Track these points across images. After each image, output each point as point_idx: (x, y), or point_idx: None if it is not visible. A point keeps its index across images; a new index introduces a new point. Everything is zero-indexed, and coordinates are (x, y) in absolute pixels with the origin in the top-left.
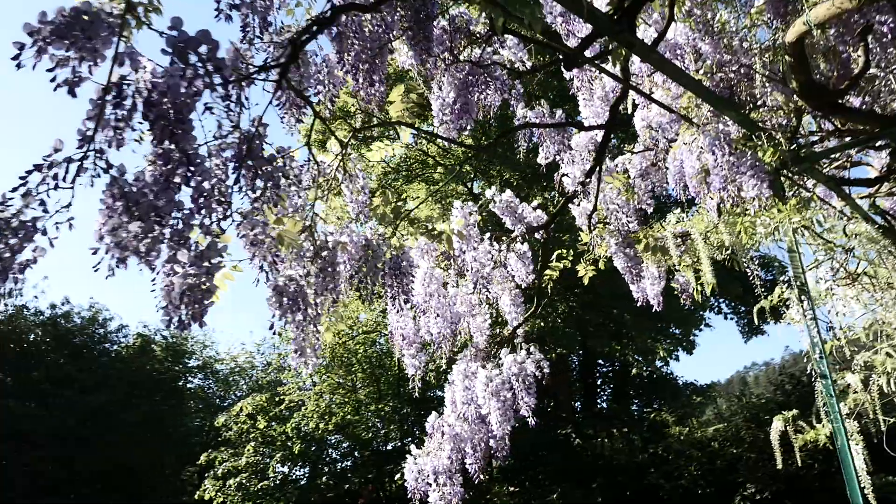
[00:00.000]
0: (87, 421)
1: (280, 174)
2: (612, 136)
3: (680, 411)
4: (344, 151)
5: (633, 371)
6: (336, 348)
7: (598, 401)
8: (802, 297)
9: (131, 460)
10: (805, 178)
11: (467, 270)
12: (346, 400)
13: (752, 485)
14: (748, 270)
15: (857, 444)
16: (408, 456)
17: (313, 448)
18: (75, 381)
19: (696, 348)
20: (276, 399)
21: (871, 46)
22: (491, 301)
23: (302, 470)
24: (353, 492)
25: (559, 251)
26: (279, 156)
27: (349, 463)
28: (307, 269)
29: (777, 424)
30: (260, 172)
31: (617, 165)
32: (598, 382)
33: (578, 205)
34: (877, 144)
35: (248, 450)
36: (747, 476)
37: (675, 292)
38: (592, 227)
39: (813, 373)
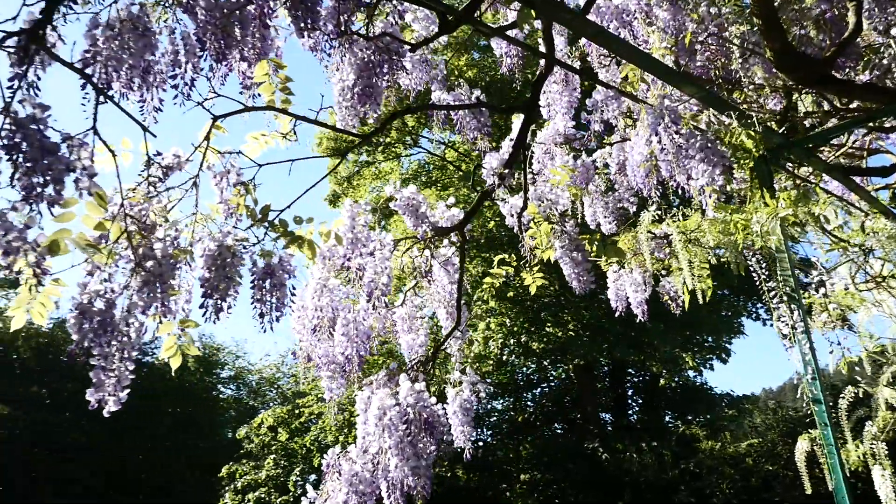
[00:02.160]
0: (122, 430)
1: (63, 166)
2: (537, 119)
3: (714, 424)
4: (207, 144)
5: (662, 382)
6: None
7: (628, 412)
8: (792, 307)
9: (164, 470)
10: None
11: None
12: None
13: None
14: (756, 273)
15: (884, 470)
16: (302, 500)
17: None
18: None
19: (731, 357)
20: (296, 412)
21: (864, 4)
22: (423, 316)
23: None
24: None
25: (502, 256)
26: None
27: None
28: (126, 282)
29: (802, 444)
30: (29, 166)
31: (595, 161)
32: (629, 393)
33: (506, 202)
34: (886, 125)
35: (269, 463)
36: (783, 495)
37: (662, 299)
38: (524, 228)
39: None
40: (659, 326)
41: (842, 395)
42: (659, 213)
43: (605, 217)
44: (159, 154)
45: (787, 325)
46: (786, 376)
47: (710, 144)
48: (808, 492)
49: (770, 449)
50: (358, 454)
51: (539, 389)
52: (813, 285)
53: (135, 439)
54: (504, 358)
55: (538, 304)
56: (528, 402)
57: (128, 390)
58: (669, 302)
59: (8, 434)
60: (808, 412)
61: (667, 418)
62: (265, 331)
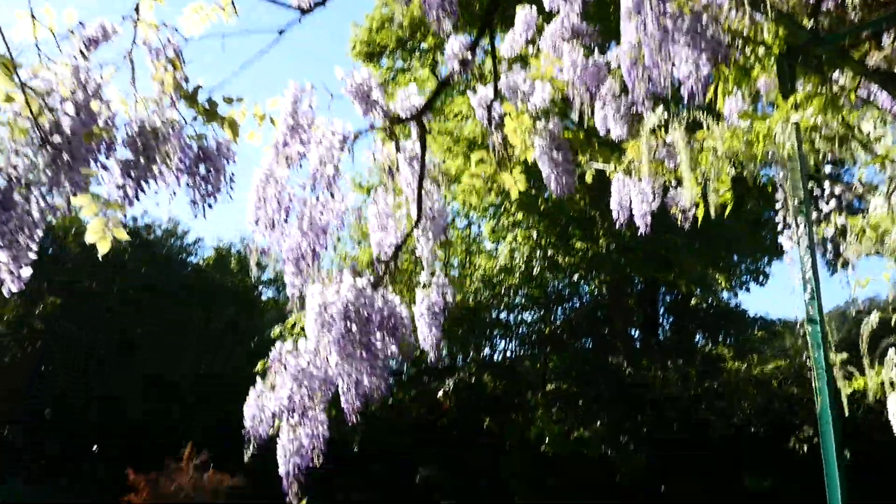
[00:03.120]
0: (173, 328)
1: None
2: None
3: (743, 346)
4: (138, 15)
5: (694, 302)
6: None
7: (658, 331)
8: (798, 220)
9: (216, 368)
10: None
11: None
12: None
13: (809, 427)
14: (781, 187)
15: None
16: (250, 391)
17: None
18: (160, 290)
19: (770, 280)
20: None
21: None
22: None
23: None
24: (401, 407)
25: (480, 155)
26: None
27: (395, 381)
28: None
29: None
30: None
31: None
32: (660, 313)
33: (475, 91)
34: None
35: None
36: (806, 418)
37: (670, 209)
38: (493, 122)
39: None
40: (693, 246)
41: (865, 322)
42: (666, 116)
43: (616, 122)
44: (82, 25)
45: (794, 239)
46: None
47: (699, 29)
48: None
49: (797, 372)
50: (305, 350)
51: (569, 304)
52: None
53: (185, 337)
54: (534, 272)
55: (567, 217)
56: (559, 316)
57: (29, 270)
58: (679, 215)
59: (63, 327)
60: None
61: (697, 338)
62: (196, 216)
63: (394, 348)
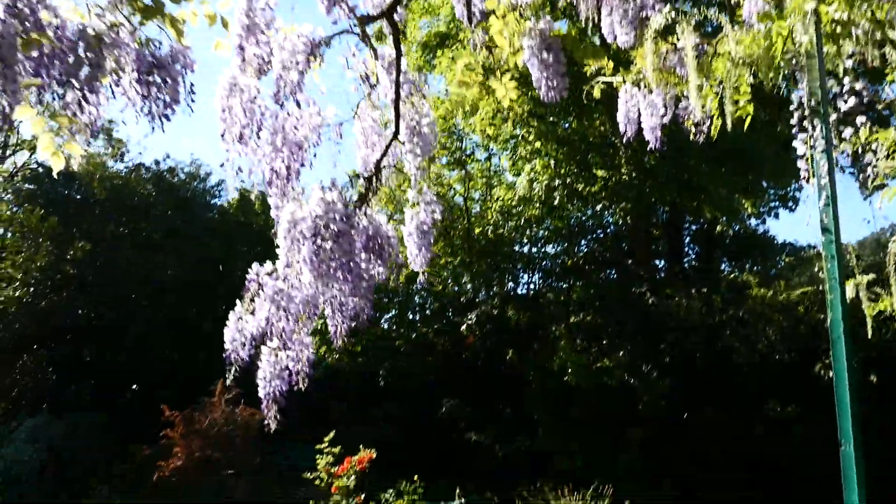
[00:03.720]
0: (198, 271)
1: None
2: None
3: (769, 273)
4: None
5: (719, 228)
6: (402, 202)
7: (683, 260)
8: (815, 122)
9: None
10: None
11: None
12: None
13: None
14: (798, 97)
15: None
16: (230, 314)
17: (384, 299)
18: (183, 233)
19: (801, 205)
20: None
21: None
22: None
23: (374, 318)
24: (426, 342)
25: (467, 60)
26: None
27: (420, 315)
28: None
29: (847, 290)
30: None
31: None
32: (685, 241)
33: None
34: None
35: None
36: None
37: (682, 123)
38: (473, 19)
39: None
40: (719, 171)
41: (893, 240)
42: (674, 16)
43: (623, 27)
44: None
45: (809, 144)
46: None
47: None
48: None
49: (824, 298)
50: (282, 271)
51: (593, 235)
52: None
53: (210, 278)
54: (555, 202)
55: (587, 145)
56: (582, 248)
57: None
58: (692, 129)
59: (93, 271)
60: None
61: (722, 267)
62: (154, 130)
63: (381, 269)
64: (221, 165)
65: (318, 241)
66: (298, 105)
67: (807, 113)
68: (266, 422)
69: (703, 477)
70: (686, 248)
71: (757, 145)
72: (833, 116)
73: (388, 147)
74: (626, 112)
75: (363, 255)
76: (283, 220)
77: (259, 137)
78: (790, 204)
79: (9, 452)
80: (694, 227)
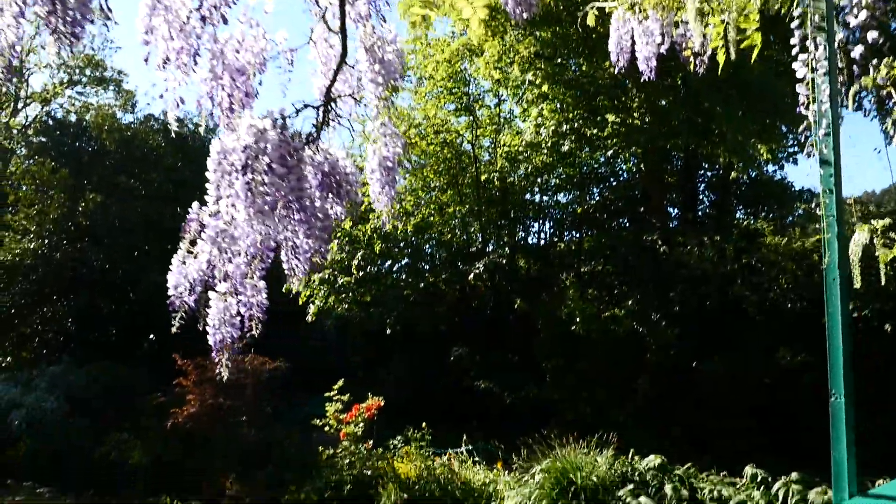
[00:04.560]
0: None
1: None
2: None
3: (784, 220)
4: None
5: (733, 175)
6: (407, 149)
7: (697, 208)
8: (818, 40)
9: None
10: None
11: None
12: (429, 200)
13: (851, 301)
14: (800, 11)
15: None
16: (173, 258)
17: (394, 248)
18: (192, 184)
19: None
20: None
21: None
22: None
23: (384, 268)
24: (436, 292)
25: None
26: None
27: (428, 264)
28: None
29: (859, 236)
30: None
31: None
32: (700, 189)
33: None
34: None
35: (333, 247)
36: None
37: (681, 52)
38: None
39: None
40: (734, 114)
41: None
42: None
43: None
44: None
45: (810, 66)
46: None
47: None
48: (857, 285)
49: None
50: (224, 210)
51: (605, 183)
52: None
53: None
54: (564, 148)
55: (596, 88)
56: (594, 196)
57: None
58: (691, 59)
59: (106, 222)
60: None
61: (738, 214)
62: (60, 51)
63: (339, 208)
64: (161, 96)
65: (251, 175)
66: (225, 21)
67: (809, 30)
68: (218, 370)
69: (711, 425)
70: (700, 196)
71: (776, 87)
72: (840, 35)
73: (336, 72)
74: (618, 40)
75: (317, 193)
76: (213, 151)
77: (196, 63)
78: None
79: (31, 400)
80: (709, 175)
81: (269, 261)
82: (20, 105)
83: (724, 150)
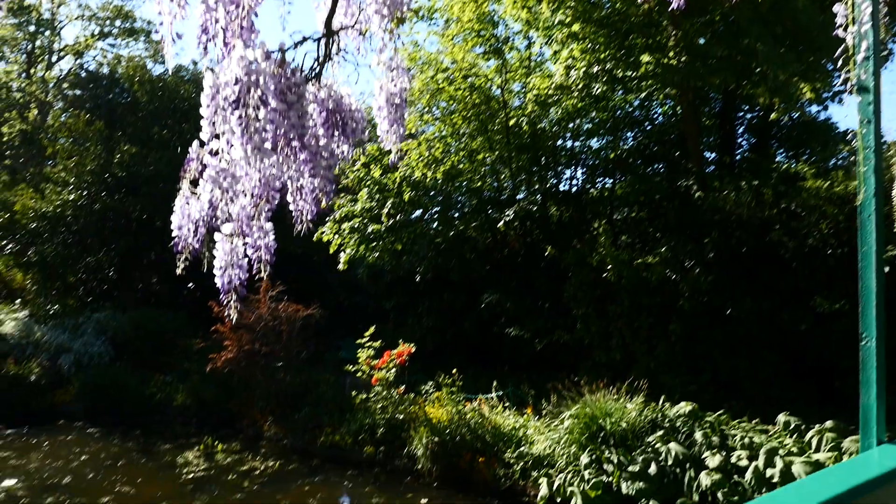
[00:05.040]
0: None
1: None
2: None
3: (827, 163)
4: None
5: (774, 115)
6: (435, 94)
7: (735, 151)
8: None
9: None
10: None
11: None
12: (458, 147)
13: (894, 246)
14: None
15: None
16: (176, 199)
17: (424, 196)
18: None
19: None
20: (385, 149)
21: None
22: None
23: (413, 215)
24: (467, 239)
25: None
26: None
27: (458, 212)
28: None
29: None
30: None
31: None
32: (739, 131)
33: None
34: None
35: (362, 196)
36: (891, 236)
37: None
38: None
39: None
40: (776, 50)
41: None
42: None
43: None
44: None
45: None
46: None
47: None
48: None
49: (887, 188)
50: (223, 148)
51: (640, 128)
52: None
53: None
54: (596, 91)
55: (629, 26)
56: (629, 141)
57: None
58: None
59: (142, 173)
60: None
61: (778, 158)
62: None
63: (344, 147)
64: (156, 31)
65: (245, 111)
66: None
67: None
68: (227, 313)
69: (743, 372)
70: (738, 139)
71: (820, 22)
72: None
73: (335, 1)
74: None
75: (321, 131)
76: (206, 85)
77: None
78: (853, 87)
79: (78, 345)
80: (748, 117)
81: (276, 202)
82: (54, 58)
83: (765, 90)
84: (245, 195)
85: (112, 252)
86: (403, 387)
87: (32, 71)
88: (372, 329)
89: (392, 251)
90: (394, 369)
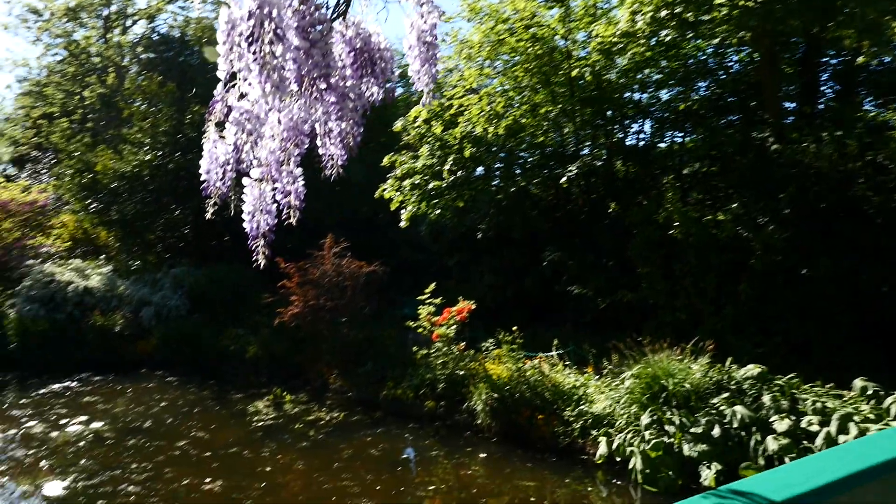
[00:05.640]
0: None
1: None
2: None
3: None
4: None
5: (861, 60)
6: (496, 47)
7: (818, 100)
8: None
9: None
10: None
11: None
12: (521, 101)
13: None
14: None
15: None
16: (204, 143)
17: (486, 151)
18: None
19: None
20: (446, 104)
21: None
22: None
23: (475, 172)
24: (529, 195)
25: None
26: None
27: (520, 168)
28: None
29: None
30: None
31: None
32: (821, 79)
33: None
34: None
35: (423, 152)
36: None
37: None
38: None
39: None
40: None
41: None
42: None
43: None
44: None
45: None
46: None
47: None
48: None
49: None
50: (248, 90)
51: (714, 77)
52: None
53: None
54: (665, 38)
55: None
56: (700, 91)
57: None
58: None
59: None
60: None
61: (865, 107)
62: None
63: (374, 87)
64: None
65: (260, 47)
66: None
67: None
68: (255, 258)
69: (816, 335)
70: (821, 87)
71: None
72: None
73: None
74: None
75: (348, 71)
76: (221, 21)
77: None
78: None
79: (158, 298)
80: (833, 62)
81: (305, 147)
82: (128, 23)
83: (853, 32)
84: (273, 139)
85: (187, 210)
86: (464, 343)
87: (109, 36)
88: (433, 286)
89: (454, 208)
90: (454, 326)
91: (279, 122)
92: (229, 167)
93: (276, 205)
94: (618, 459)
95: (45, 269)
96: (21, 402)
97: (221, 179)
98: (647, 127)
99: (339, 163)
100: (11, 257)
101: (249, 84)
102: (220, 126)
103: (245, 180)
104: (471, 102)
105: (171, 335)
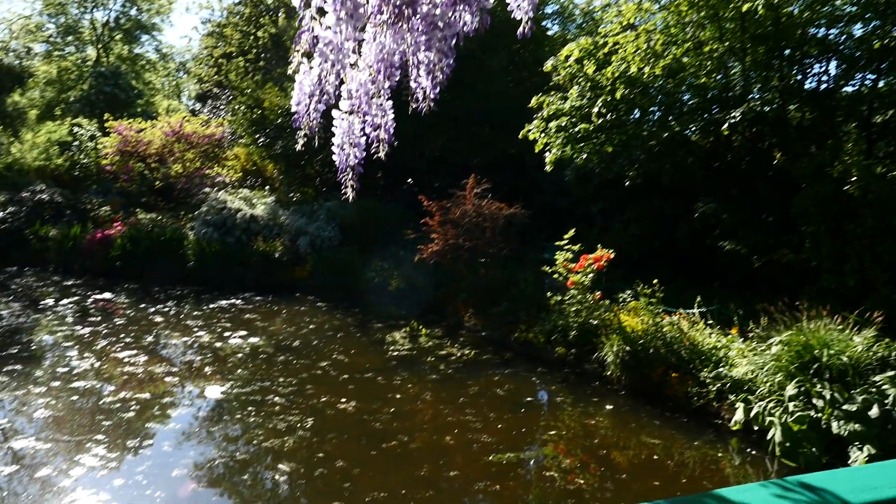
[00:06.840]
0: (456, 63)
1: None
2: None
3: None
4: None
5: None
6: None
7: None
8: None
9: (497, 103)
10: None
11: None
12: (683, 38)
13: None
14: None
15: None
16: (296, 75)
17: (641, 93)
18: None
19: None
20: (600, 42)
21: None
22: None
23: (628, 116)
24: (683, 141)
25: None
26: None
27: (677, 112)
28: None
29: None
30: None
31: None
32: None
33: None
34: None
35: (573, 93)
36: None
37: None
38: None
39: None
40: None
41: None
42: None
43: None
44: None
45: None
46: None
47: None
48: None
49: None
50: (333, 21)
51: None
52: None
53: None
54: None
55: None
56: None
57: None
58: None
59: None
60: None
61: None
62: None
63: (467, 16)
64: None
65: None
66: None
67: None
68: (343, 191)
69: None
70: None
71: None
72: None
73: None
74: None
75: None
76: None
77: None
78: None
79: (313, 229)
80: None
81: (396, 80)
82: None
83: None
84: (362, 70)
85: (325, 153)
86: (599, 293)
87: None
88: (572, 232)
89: (601, 153)
90: (591, 274)
91: (364, 52)
92: (316, 99)
93: (365, 138)
94: (755, 428)
95: (219, 197)
96: (195, 313)
97: (310, 111)
98: (833, 67)
99: (431, 96)
100: (193, 185)
101: (325, 12)
102: (309, 57)
103: (335, 112)
104: (627, 40)
105: (323, 264)
